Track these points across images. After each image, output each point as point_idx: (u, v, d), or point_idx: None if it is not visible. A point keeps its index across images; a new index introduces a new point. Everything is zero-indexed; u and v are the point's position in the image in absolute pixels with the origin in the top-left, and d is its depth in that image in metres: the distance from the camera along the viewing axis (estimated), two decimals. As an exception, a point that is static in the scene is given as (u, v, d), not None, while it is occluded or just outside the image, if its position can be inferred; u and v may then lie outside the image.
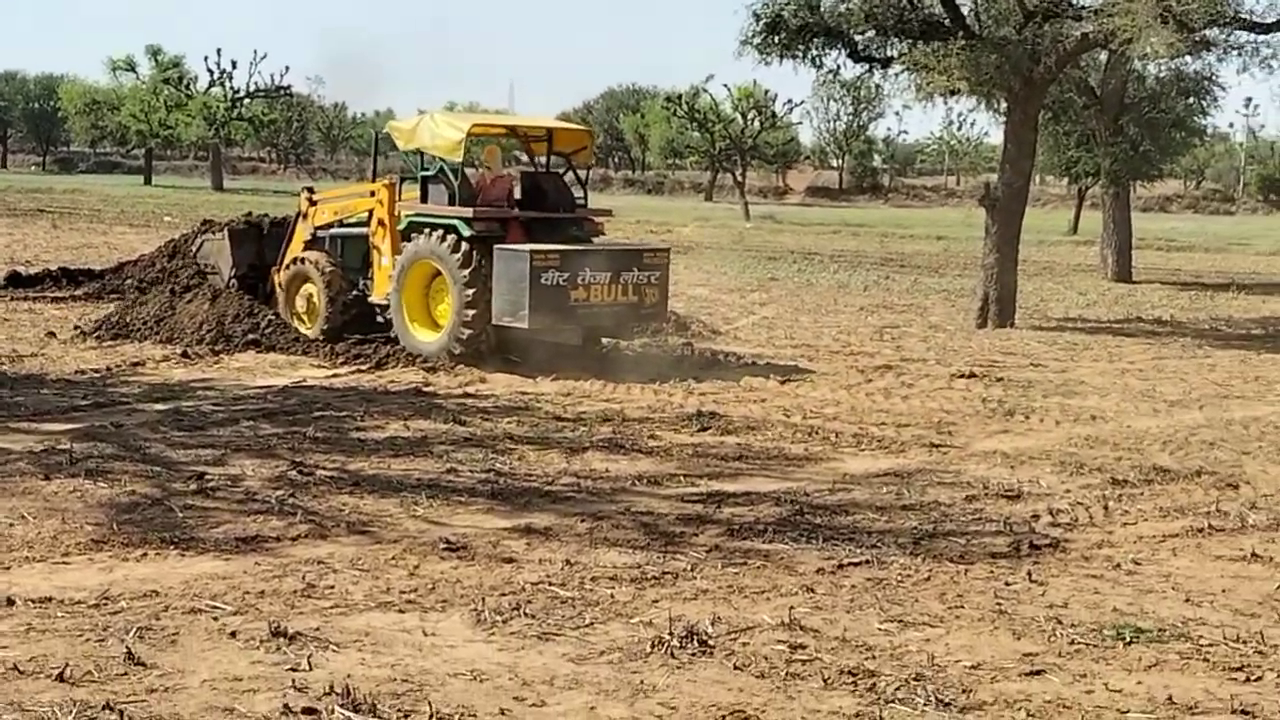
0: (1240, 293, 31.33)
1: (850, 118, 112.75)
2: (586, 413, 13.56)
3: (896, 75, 23.81)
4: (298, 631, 6.93)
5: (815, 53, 23.39)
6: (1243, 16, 21.54)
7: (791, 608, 7.53)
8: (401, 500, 9.78)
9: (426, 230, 16.23)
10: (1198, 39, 20.83)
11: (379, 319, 17.25)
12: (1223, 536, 9.51)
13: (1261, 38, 22.31)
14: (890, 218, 72.77)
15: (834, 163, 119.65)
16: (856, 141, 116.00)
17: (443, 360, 15.87)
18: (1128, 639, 7.22)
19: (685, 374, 15.90)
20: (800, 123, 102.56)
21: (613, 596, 7.74)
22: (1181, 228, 62.70)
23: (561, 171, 17.49)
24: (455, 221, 16.02)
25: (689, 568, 8.34)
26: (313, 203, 18.41)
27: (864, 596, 7.87)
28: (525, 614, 7.35)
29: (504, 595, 7.68)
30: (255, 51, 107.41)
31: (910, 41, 22.64)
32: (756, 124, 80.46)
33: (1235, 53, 23.11)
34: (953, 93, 23.22)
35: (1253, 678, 6.75)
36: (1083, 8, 21.47)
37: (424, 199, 16.72)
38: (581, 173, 17.68)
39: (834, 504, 10.09)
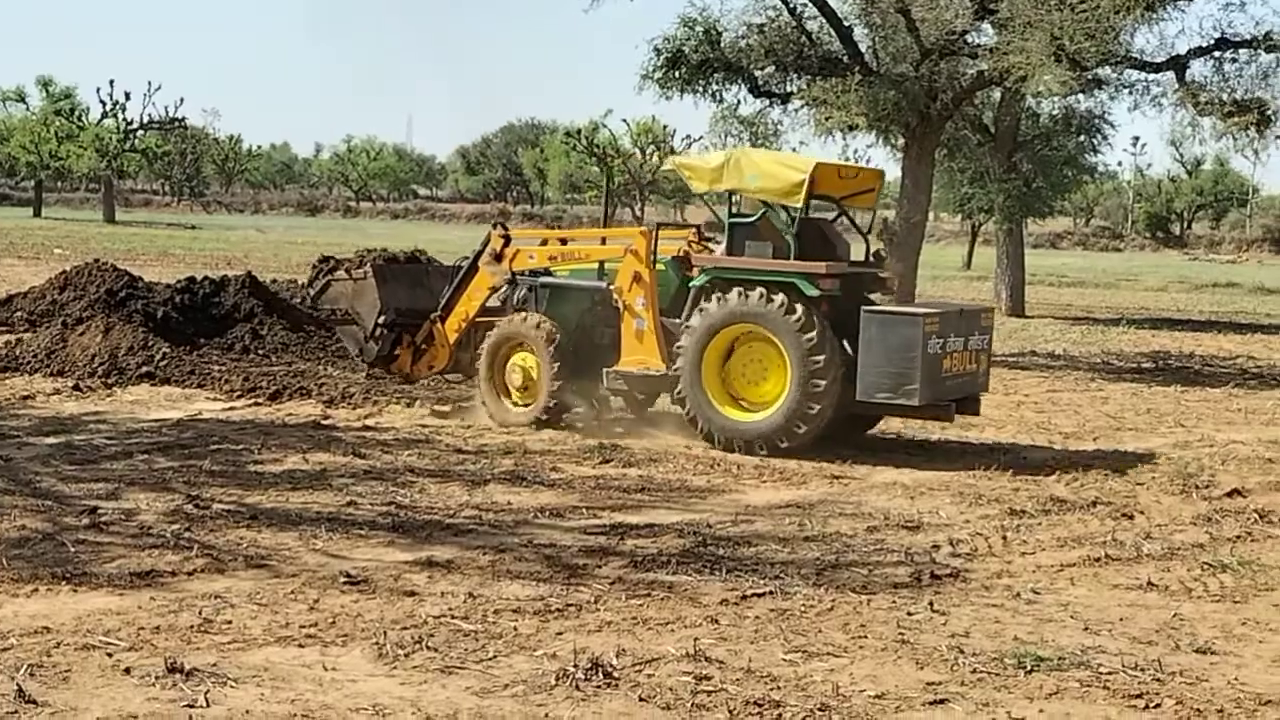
0: (1130, 327, 31.89)
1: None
2: (488, 445, 13.48)
3: (796, 111, 24.08)
4: (194, 667, 6.78)
5: (716, 87, 23.60)
6: (1133, 56, 21.99)
7: (696, 639, 7.50)
8: (300, 534, 9.64)
9: (739, 289, 13.49)
10: (1090, 77, 21.25)
11: (597, 394, 14.65)
12: (1119, 566, 9.63)
13: (1151, 77, 22.81)
14: (788, 253, 73.12)
15: (734, 197, 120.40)
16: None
17: (772, 445, 13.29)
18: (1029, 667, 7.27)
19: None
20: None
21: (516, 629, 7.67)
22: (1072, 264, 63.76)
23: (833, 217, 14.79)
24: (794, 279, 13.30)
25: (593, 600, 8.29)
26: (507, 241, 15.30)
27: (768, 627, 7.86)
28: (428, 647, 7.26)
29: (406, 629, 7.59)
30: (149, 83, 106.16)
31: (809, 77, 22.88)
32: (655, 159, 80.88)
33: (1126, 91, 23.62)
34: (851, 128, 23.50)
35: (1151, 705, 6.82)
36: (978, 46, 21.83)
37: (733, 250, 13.92)
38: (863, 219, 16.02)
39: (737, 535, 10.09)
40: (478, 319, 15.29)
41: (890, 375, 13.03)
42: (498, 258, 15.10)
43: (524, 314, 14.67)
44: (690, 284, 13.94)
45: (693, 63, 22.89)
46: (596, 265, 14.96)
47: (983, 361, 14.26)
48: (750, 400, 13.66)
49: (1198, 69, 22.12)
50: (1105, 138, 35.83)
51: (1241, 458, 14.16)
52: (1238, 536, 10.62)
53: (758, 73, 23.41)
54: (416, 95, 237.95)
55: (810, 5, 22.60)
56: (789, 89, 23.73)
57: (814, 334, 13.13)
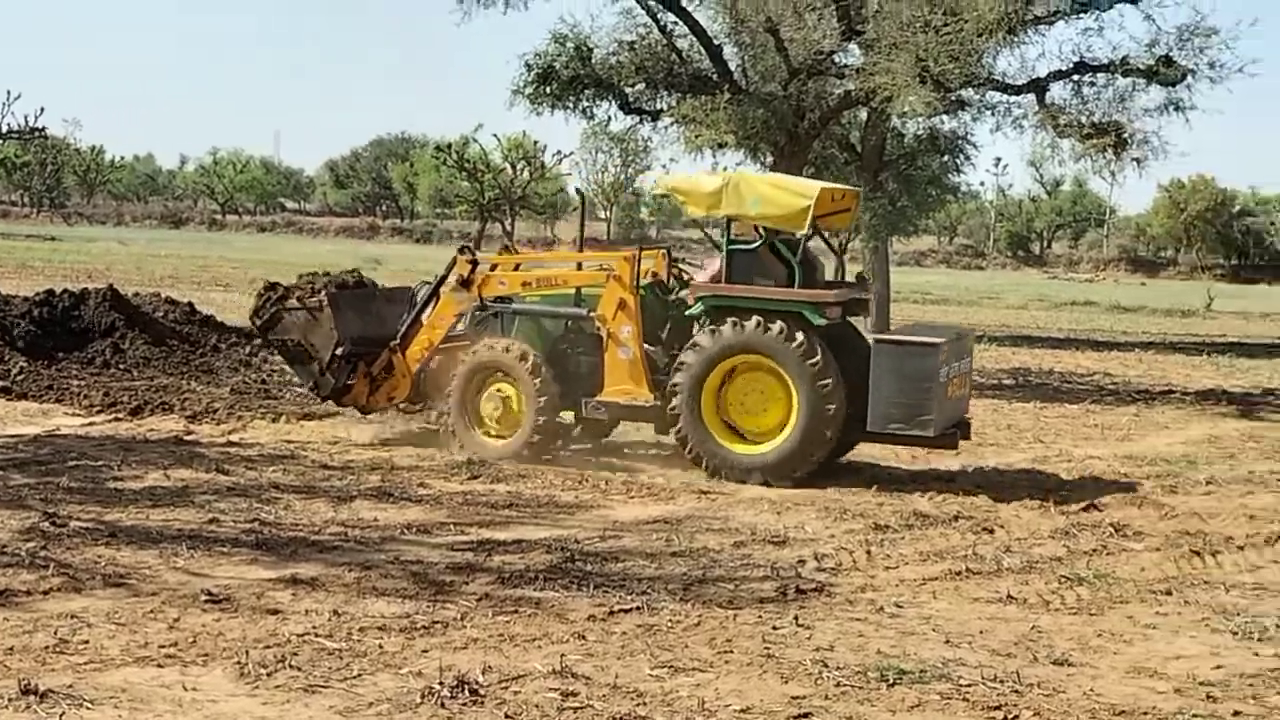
0: (991, 344, 32.41)
1: (618, 169, 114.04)
2: (354, 461, 13.36)
3: (666, 128, 24.21)
4: (50, 689, 6.64)
5: (586, 104, 23.67)
6: (995, 78, 22.42)
7: (563, 655, 7.50)
8: (161, 551, 9.47)
9: (734, 320, 13.19)
10: (953, 99, 21.61)
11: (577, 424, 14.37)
12: (980, 579, 9.79)
13: (1013, 99, 23.27)
14: (658, 269, 73.45)
15: (602, 214, 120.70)
16: (624, 193, 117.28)
17: (783, 475, 13.08)
18: (891, 680, 7.36)
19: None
20: (569, 174, 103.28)
21: (381, 647, 7.61)
22: (936, 281, 64.71)
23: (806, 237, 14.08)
24: (800, 307, 13.14)
25: (459, 616, 8.25)
26: (474, 265, 14.59)
27: (635, 643, 7.88)
28: (291, 666, 7.18)
29: (269, 648, 7.49)
30: (9, 92, 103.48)
31: (679, 95, 23.04)
32: (526, 174, 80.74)
33: (988, 113, 24.06)
34: (720, 146, 23.68)
35: (1009, 716, 6.94)
36: (845, 66, 22.12)
37: (733, 277, 13.58)
38: (836, 240, 15.69)
39: (604, 551, 10.10)
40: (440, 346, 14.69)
41: (904, 406, 12.92)
42: (464, 283, 14.45)
43: (502, 341, 14.04)
44: (685, 312, 13.67)
45: (563, 79, 22.96)
46: (573, 291, 14.44)
47: (969, 386, 14.39)
48: (750, 431, 13.42)
49: (1057, 92, 22.62)
50: (968, 158, 36.33)
51: (1098, 473, 14.47)
52: (1094, 550, 10.86)
53: (628, 90, 23.52)
54: (285, 108, 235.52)
55: (680, 23, 22.76)
56: (659, 106, 23.87)
57: (820, 360, 12.99)
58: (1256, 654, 8.15)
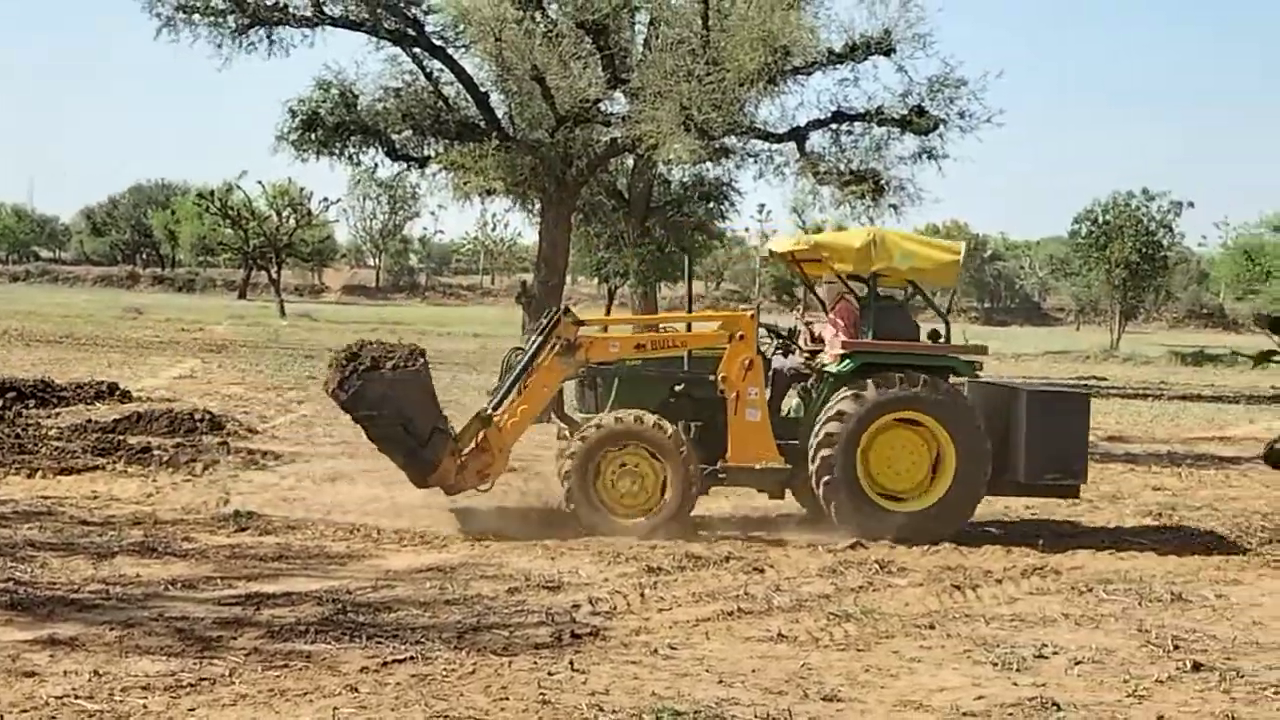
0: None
1: (387, 216, 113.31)
2: (116, 516, 12.94)
3: (434, 175, 24.16)
4: None
5: (352, 150, 23.51)
6: (757, 127, 22.93)
7: (335, 709, 7.37)
8: (-92, 615, 9.04)
9: (891, 377, 13.09)
10: (717, 146, 22.03)
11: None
12: (751, 618, 9.93)
13: (775, 146, 23.83)
14: (428, 315, 73.21)
15: (371, 261, 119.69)
16: (393, 240, 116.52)
17: (937, 534, 12.91)
18: (666, 721, 7.41)
19: (221, 474, 15.43)
20: (337, 220, 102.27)
21: (145, 707, 7.37)
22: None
23: (882, 294, 14.12)
24: (953, 362, 13.43)
25: (227, 673, 8.04)
26: (579, 325, 13.56)
27: (409, 693, 7.78)
28: (49, 730, 6.91)
29: (24, 712, 7.20)
30: None
31: (447, 141, 23.04)
32: (292, 221, 79.66)
33: (751, 160, 24.60)
34: (489, 192, 23.77)
35: (783, 752, 7.04)
36: (612, 114, 22.38)
37: (880, 333, 13.43)
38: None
39: (377, 601, 9.97)
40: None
41: (1058, 457, 13.23)
42: (570, 348, 13.39)
43: (631, 413, 13.17)
44: (829, 370, 13.51)
45: (329, 125, 22.78)
46: (685, 354, 13.75)
47: None
48: (895, 491, 13.29)
49: (817, 140, 23.26)
50: (733, 204, 37.22)
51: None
52: (860, 587, 11.11)
53: (395, 136, 23.45)
54: (40, 156, 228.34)
55: (447, 70, 22.76)
56: (427, 153, 23.82)
57: (978, 415, 13.14)
58: (1015, 684, 8.42)
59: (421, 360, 12.95)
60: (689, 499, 13.13)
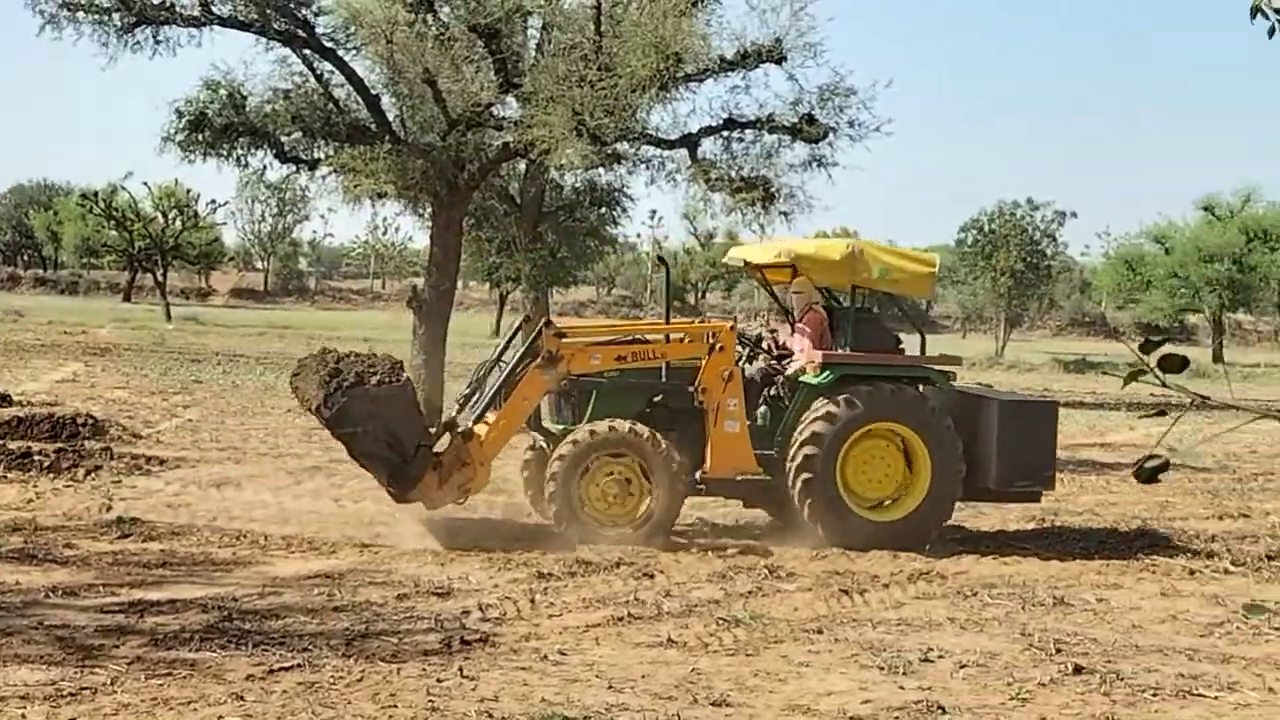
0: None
1: (275, 219, 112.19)
2: (-6, 523, 12.69)
3: (324, 177, 23.90)
4: None
5: (241, 152, 23.17)
6: (649, 133, 22.93)
7: (220, 717, 7.29)
8: None
9: (869, 388, 13.32)
10: (609, 152, 21.99)
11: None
12: (641, 624, 9.96)
13: (666, 153, 23.84)
14: (317, 320, 72.56)
15: (259, 264, 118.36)
16: (282, 243, 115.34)
17: (918, 539, 13.18)
18: (556, 727, 7.40)
19: (104, 479, 15.19)
20: (224, 223, 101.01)
21: (24, 717, 7.24)
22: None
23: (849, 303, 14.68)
24: (927, 373, 13.68)
25: (109, 681, 7.91)
26: (560, 336, 13.36)
27: (295, 701, 7.71)
28: (-76, 742, 6.76)
29: (-101, 724, 7.04)
30: None
31: (338, 144, 22.79)
32: (178, 223, 78.55)
33: (643, 166, 24.60)
34: (380, 196, 23.53)
35: (672, 757, 7.07)
36: (504, 119, 22.27)
37: (859, 344, 13.67)
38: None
39: (264, 608, 9.86)
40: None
41: (1028, 464, 13.56)
42: (552, 360, 13.26)
43: (616, 423, 13.06)
44: (807, 380, 13.56)
45: (216, 126, 22.43)
46: (663, 365, 13.64)
47: None
48: (872, 498, 13.52)
49: (708, 147, 23.27)
50: (625, 210, 37.22)
51: (753, 514, 14.90)
52: (750, 592, 11.18)
53: (284, 138, 23.13)
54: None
55: (337, 73, 22.55)
56: (317, 155, 23.56)
57: (950, 422, 13.34)
58: (902, 687, 8.52)
59: (405, 375, 12.77)
60: (673, 509, 13.16)
